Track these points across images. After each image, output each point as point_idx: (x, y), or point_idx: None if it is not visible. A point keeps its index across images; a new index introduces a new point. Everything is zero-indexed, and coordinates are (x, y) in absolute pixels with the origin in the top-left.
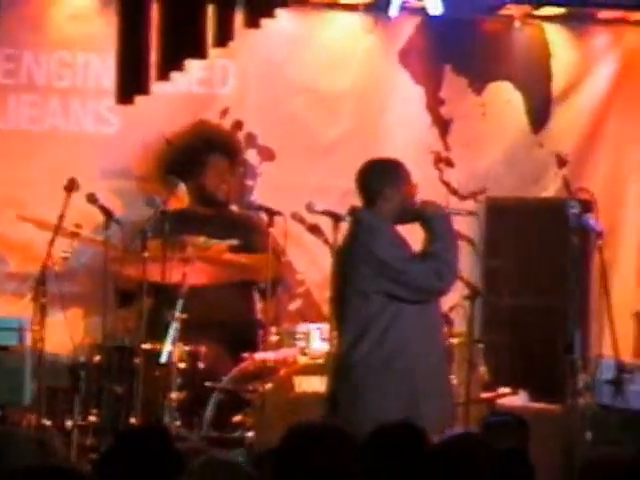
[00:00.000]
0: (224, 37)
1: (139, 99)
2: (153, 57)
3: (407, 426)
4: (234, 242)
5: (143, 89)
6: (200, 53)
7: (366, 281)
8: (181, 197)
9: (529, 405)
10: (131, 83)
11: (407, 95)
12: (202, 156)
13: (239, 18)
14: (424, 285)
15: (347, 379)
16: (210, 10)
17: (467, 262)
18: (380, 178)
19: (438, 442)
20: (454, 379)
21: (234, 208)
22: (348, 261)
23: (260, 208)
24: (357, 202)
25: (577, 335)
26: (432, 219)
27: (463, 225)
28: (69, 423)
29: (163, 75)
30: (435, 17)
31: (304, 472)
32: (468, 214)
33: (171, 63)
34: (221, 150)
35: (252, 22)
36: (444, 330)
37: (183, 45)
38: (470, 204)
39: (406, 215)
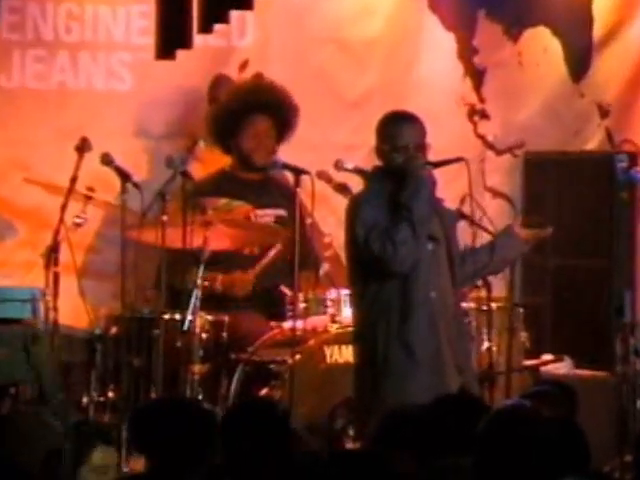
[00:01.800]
0: None
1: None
2: (195, 9)
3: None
4: (281, 212)
5: (185, 42)
6: (245, 3)
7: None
8: (201, 157)
9: (575, 373)
10: (172, 36)
11: (438, 43)
12: (241, 116)
13: None
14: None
15: None
16: None
17: (506, 221)
18: (376, 134)
19: (492, 413)
20: (493, 346)
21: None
22: None
23: (285, 167)
24: None
25: (626, 297)
26: (408, 179)
27: (499, 181)
28: (85, 400)
29: (206, 27)
30: None
31: None
32: (454, 162)
33: (215, 14)
34: (262, 109)
35: None
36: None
37: None
38: (507, 159)
39: (393, 172)
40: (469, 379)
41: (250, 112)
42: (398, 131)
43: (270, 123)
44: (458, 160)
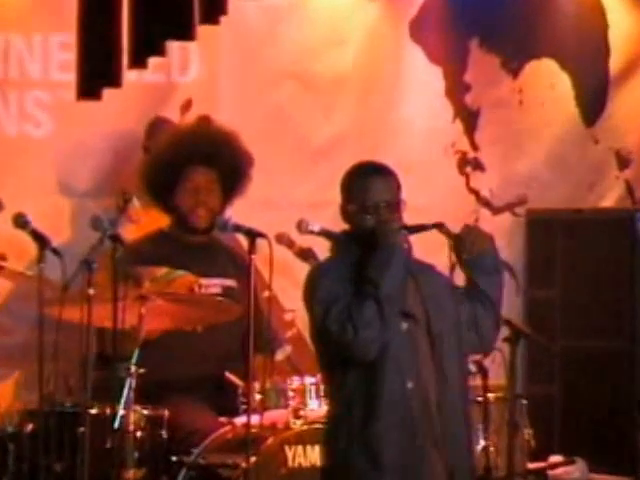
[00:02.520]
0: (215, 11)
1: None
2: (125, 39)
3: None
4: (230, 283)
5: (114, 79)
6: (186, 33)
7: None
8: (135, 217)
9: (590, 477)
10: (98, 71)
11: (422, 80)
12: (178, 168)
13: None
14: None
15: None
16: None
17: (505, 294)
18: (341, 192)
19: None
20: (491, 446)
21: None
22: None
23: (237, 229)
24: None
25: None
26: (381, 247)
27: (497, 245)
28: None
29: (139, 61)
30: None
31: None
32: (433, 227)
33: (149, 45)
34: (204, 160)
35: None
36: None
37: (164, 23)
38: (507, 218)
39: (361, 237)
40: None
41: (189, 163)
42: (366, 187)
43: (213, 176)
44: (437, 226)
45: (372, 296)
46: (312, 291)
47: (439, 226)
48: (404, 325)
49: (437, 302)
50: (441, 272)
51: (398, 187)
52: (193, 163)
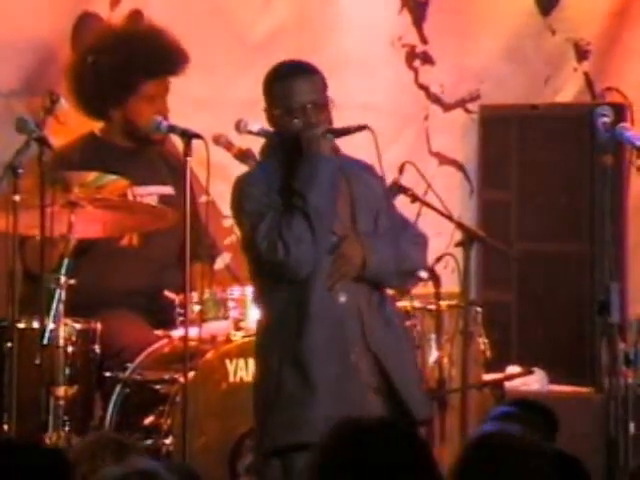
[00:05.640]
0: None
1: None
2: None
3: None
4: (167, 190)
5: None
6: None
7: None
8: (63, 118)
9: (550, 389)
10: None
11: None
12: (125, 80)
13: None
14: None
15: None
16: None
17: (457, 196)
18: (264, 95)
19: (467, 444)
20: (444, 356)
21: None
22: None
23: (171, 129)
24: None
25: (614, 291)
26: (306, 157)
27: (448, 144)
28: None
29: None
30: None
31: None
32: (357, 130)
33: None
34: (153, 71)
35: None
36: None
37: None
38: (459, 115)
39: (285, 142)
40: (411, 401)
41: (137, 75)
42: (290, 89)
43: (165, 85)
44: (361, 129)
45: (301, 210)
46: (240, 202)
47: (364, 128)
48: (335, 239)
49: (366, 204)
50: (378, 175)
51: (324, 86)
52: (142, 75)
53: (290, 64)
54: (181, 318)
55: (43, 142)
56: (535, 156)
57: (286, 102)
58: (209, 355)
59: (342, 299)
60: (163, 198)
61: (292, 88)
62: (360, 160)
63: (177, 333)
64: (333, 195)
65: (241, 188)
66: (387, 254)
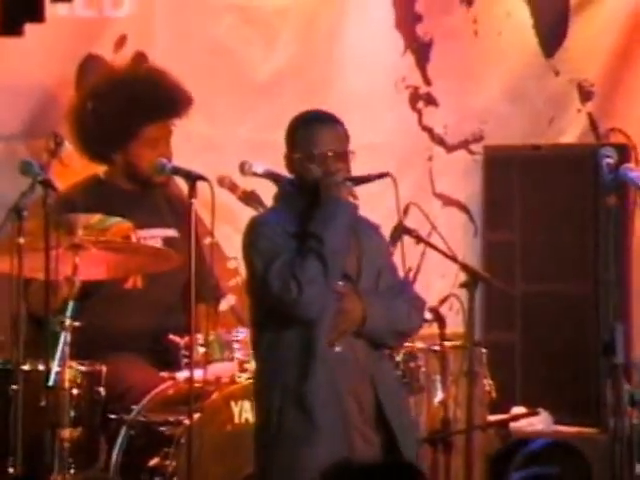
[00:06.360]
0: None
1: None
2: None
3: None
4: (171, 233)
5: (36, 13)
6: None
7: None
8: (67, 161)
9: (555, 429)
10: (19, 7)
11: (369, 9)
12: (128, 124)
13: None
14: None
15: None
16: None
17: (461, 237)
18: (285, 141)
19: None
20: (449, 397)
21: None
22: None
23: (176, 171)
24: None
25: (618, 331)
26: (322, 201)
27: (452, 185)
28: None
29: None
30: None
31: None
32: (378, 178)
33: None
34: (157, 115)
35: None
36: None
37: None
38: (462, 156)
39: (303, 187)
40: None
41: (140, 119)
42: (313, 136)
43: (168, 128)
44: (382, 176)
45: (315, 252)
46: (252, 242)
47: (385, 176)
48: (340, 285)
49: (371, 261)
50: (384, 237)
51: (346, 137)
52: (143, 120)
53: (316, 112)
54: (186, 360)
55: (48, 185)
56: (539, 197)
57: (308, 148)
58: (214, 397)
59: (338, 349)
60: (167, 241)
61: (315, 135)
62: (368, 219)
63: (182, 375)
64: (348, 239)
65: (255, 228)
66: (385, 313)
